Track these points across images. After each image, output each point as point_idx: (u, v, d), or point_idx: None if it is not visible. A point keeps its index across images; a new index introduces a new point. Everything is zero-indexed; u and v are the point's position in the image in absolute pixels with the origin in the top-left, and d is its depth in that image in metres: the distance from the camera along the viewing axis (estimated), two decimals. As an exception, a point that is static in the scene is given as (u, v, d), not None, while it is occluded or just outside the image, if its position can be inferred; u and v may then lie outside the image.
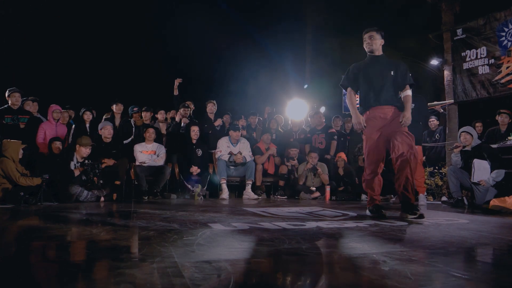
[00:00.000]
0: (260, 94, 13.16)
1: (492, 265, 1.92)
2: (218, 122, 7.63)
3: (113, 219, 3.59)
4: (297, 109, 10.58)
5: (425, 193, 6.07)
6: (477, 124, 7.50)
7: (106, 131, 6.32)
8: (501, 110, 7.17)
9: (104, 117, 7.52)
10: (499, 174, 5.28)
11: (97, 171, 5.55)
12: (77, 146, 5.68)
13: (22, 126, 6.16)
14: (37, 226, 3.11)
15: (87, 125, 6.94)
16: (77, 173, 5.50)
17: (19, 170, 5.22)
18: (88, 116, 7.05)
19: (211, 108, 7.63)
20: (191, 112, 7.78)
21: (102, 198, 5.53)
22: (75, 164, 5.59)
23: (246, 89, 13.88)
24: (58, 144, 5.77)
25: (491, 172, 5.33)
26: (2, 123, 6.06)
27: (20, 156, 5.33)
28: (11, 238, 2.61)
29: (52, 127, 6.42)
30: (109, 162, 6.08)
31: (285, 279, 1.53)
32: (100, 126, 6.50)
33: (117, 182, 6.00)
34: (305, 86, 14.05)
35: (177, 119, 7.43)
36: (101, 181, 5.56)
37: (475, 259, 2.04)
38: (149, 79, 14.50)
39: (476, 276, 1.56)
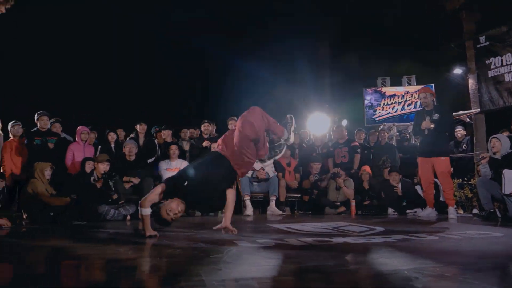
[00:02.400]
0: (280, 109, 13.20)
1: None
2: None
3: (139, 238, 3.63)
4: (319, 123, 10.53)
5: (455, 206, 5.88)
6: (504, 133, 7.25)
7: (128, 148, 6.44)
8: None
9: (129, 137, 7.66)
10: (533, 184, 5.07)
11: (113, 180, 5.71)
12: (95, 164, 5.83)
13: (50, 146, 6.34)
14: (65, 245, 3.17)
15: (112, 145, 7.09)
16: (99, 185, 5.64)
17: (49, 190, 5.36)
18: (112, 137, 7.20)
19: (233, 124, 7.67)
20: (214, 130, 7.83)
21: (129, 217, 5.60)
22: (94, 179, 5.72)
23: (267, 104, 13.94)
24: (91, 163, 5.89)
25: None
26: (32, 144, 6.26)
27: (48, 177, 5.47)
28: (41, 257, 2.67)
29: (80, 148, 6.58)
30: (134, 180, 6.18)
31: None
32: (124, 144, 6.65)
33: (143, 201, 6.09)
34: (327, 106, 14.00)
35: (204, 134, 7.50)
36: (113, 190, 5.69)
37: (511, 275, 1.96)
38: (171, 99, 14.78)
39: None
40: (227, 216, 3.43)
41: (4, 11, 3.24)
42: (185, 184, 3.10)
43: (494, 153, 5.45)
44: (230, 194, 3.41)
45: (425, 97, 5.89)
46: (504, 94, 8.39)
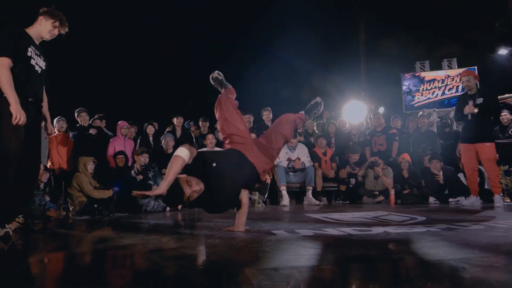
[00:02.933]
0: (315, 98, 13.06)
1: None
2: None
3: (179, 228, 3.72)
4: (355, 111, 10.33)
5: (501, 194, 5.62)
6: None
7: (166, 142, 6.64)
8: None
9: (166, 130, 7.84)
10: None
11: (152, 171, 5.88)
12: (135, 157, 6.07)
13: (93, 133, 6.60)
14: (109, 236, 3.30)
15: (151, 138, 7.28)
16: (139, 178, 5.83)
17: (92, 183, 5.59)
18: (150, 130, 7.40)
19: (268, 115, 7.67)
20: (252, 121, 7.86)
21: (168, 208, 5.75)
22: (135, 172, 5.92)
23: (301, 95, 13.82)
24: (121, 157, 6.10)
25: None
26: (77, 138, 6.54)
27: (91, 171, 5.70)
28: (87, 247, 2.79)
29: (121, 142, 6.81)
30: None
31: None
32: (161, 138, 6.84)
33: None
34: (363, 93, 13.70)
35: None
36: (151, 182, 5.88)
37: None
38: (204, 91, 14.95)
39: None
40: (241, 221, 3.02)
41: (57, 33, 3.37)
42: (214, 165, 2.65)
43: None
44: (244, 196, 3.03)
45: (468, 80, 5.62)
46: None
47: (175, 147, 6.73)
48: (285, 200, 6.41)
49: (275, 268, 1.71)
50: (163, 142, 6.72)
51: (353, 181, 6.75)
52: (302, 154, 6.79)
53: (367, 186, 6.59)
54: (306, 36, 14.01)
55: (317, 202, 6.50)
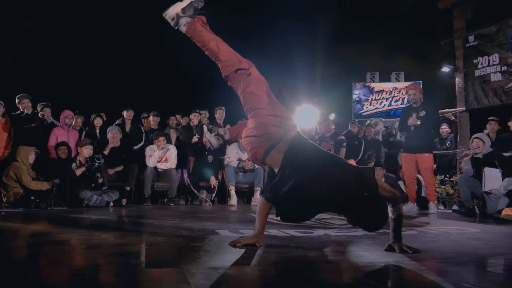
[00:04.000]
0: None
1: (504, 276, 1.88)
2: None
3: (121, 225, 3.61)
4: (307, 115, 10.55)
5: (436, 202, 5.99)
6: (491, 122, 7.26)
7: (112, 134, 6.38)
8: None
9: (115, 123, 7.57)
10: (510, 182, 5.19)
11: (97, 164, 5.63)
12: (78, 148, 5.80)
13: (32, 127, 6.21)
14: (46, 230, 3.13)
15: (97, 130, 7.00)
16: (79, 172, 5.57)
17: (31, 174, 5.28)
18: (98, 122, 7.11)
19: (221, 114, 7.65)
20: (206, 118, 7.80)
21: (111, 203, 5.56)
22: (76, 165, 5.66)
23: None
24: (63, 148, 5.81)
25: (502, 180, 5.24)
26: (18, 127, 6.13)
27: (31, 161, 5.40)
28: (22, 242, 2.64)
29: (64, 132, 6.48)
30: (118, 168, 6.19)
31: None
32: (108, 130, 6.56)
33: (127, 187, 6.06)
34: (316, 99, 14.02)
35: (193, 123, 7.47)
36: (98, 175, 5.61)
37: (487, 269, 2.00)
38: (160, 85, 14.63)
39: (488, 287, 1.53)
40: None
41: None
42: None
43: (476, 153, 5.56)
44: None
45: (414, 94, 5.94)
46: (489, 94, 8.51)
47: (122, 141, 6.53)
48: (233, 200, 6.42)
49: (214, 267, 1.71)
50: (109, 134, 6.47)
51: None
52: (253, 155, 6.84)
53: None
54: (264, 38, 14.15)
55: (265, 203, 6.57)
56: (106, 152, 6.21)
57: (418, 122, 5.75)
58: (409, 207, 5.86)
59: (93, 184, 5.60)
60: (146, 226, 3.23)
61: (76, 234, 2.76)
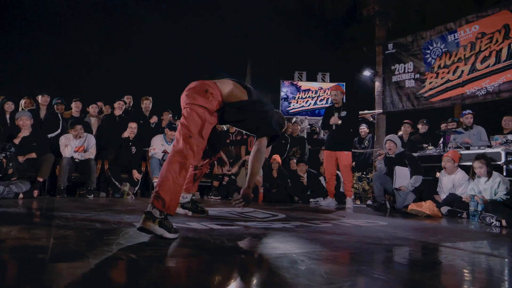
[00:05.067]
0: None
1: (403, 264, 2.05)
2: (154, 119, 7.43)
3: (29, 218, 3.35)
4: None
5: (352, 197, 6.38)
6: (405, 125, 7.87)
7: (21, 122, 5.83)
8: (424, 120, 7.77)
9: (27, 108, 6.98)
10: (417, 180, 5.69)
11: (7, 153, 5.15)
12: None
13: None
14: None
15: (7, 116, 6.42)
16: None
17: None
18: (9, 106, 6.54)
19: (147, 104, 7.42)
20: (131, 106, 7.51)
21: (21, 195, 5.13)
22: None
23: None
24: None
25: (410, 178, 5.73)
26: None
27: None
28: None
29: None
30: (30, 155, 5.70)
31: (201, 279, 1.52)
32: (16, 116, 5.99)
33: (40, 178, 5.61)
34: None
35: (116, 113, 7.14)
36: (10, 164, 5.16)
37: (389, 258, 2.18)
38: (81, 71, 13.78)
39: (389, 275, 1.66)
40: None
41: None
42: None
43: (389, 153, 6.02)
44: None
45: (335, 95, 6.25)
46: (403, 99, 9.25)
47: (35, 128, 6.03)
48: (157, 193, 6.27)
49: (124, 259, 1.66)
50: (18, 121, 5.91)
51: (226, 178, 6.94)
52: (178, 147, 6.73)
53: (239, 183, 6.84)
54: (196, 30, 13.96)
55: (190, 196, 6.50)
56: (16, 141, 5.68)
57: (339, 122, 6.07)
58: (328, 202, 6.18)
59: (0, 175, 5.12)
60: (57, 219, 3.03)
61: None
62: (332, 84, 10.64)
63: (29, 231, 2.41)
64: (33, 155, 5.74)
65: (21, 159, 5.65)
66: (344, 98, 6.46)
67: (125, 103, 7.40)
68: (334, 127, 6.16)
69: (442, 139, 6.82)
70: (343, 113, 6.13)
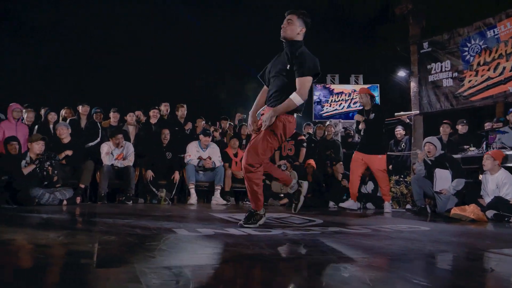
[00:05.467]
0: (232, 99, 13.18)
1: (448, 271, 1.97)
2: (188, 126, 7.55)
3: (73, 224, 3.47)
4: (268, 115, 10.62)
5: (391, 201, 6.20)
6: (443, 126, 7.57)
7: (58, 131, 6.07)
8: (464, 120, 7.46)
9: (69, 118, 7.26)
10: (459, 183, 5.46)
11: (53, 161, 5.37)
12: (29, 144, 5.50)
13: None
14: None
15: (51, 126, 6.71)
16: (27, 170, 5.27)
17: (-24, 171, 4.97)
18: (52, 117, 6.83)
19: (182, 112, 7.55)
20: (168, 113, 7.66)
21: (65, 202, 5.33)
22: (26, 162, 5.38)
23: (218, 95, 13.90)
24: (14, 144, 5.50)
25: (452, 181, 5.52)
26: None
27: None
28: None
29: (12, 126, 6.14)
30: (68, 152, 5.92)
31: (245, 285, 1.51)
32: (55, 127, 6.25)
33: (81, 185, 5.82)
34: None
35: (152, 121, 7.33)
36: (56, 172, 5.38)
37: (432, 265, 2.10)
38: (117, 81, 14.22)
39: (433, 282, 1.60)
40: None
41: None
42: None
43: (428, 156, 5.81)
44: None
45: (360, 98, 6.08)
46: (441, 99, 8.94)
47: (74, 137, 6.25)
48: (193, 198, 6.35)
49: (168, 266, 1.68)
50: (57, 130, 6.12)
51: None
52: (213, 153, 6.78)
53: (273, 189, 6.82)
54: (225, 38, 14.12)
55: (225, 202, 6.54)
56: (61, 157, 5.89)
57: (362, 127, 5.97)
58: (349, 204, 6.03)
59: (46, 182, 5.35)
60: (100, 225, 3.12)
61: (22, 233, 2.62)
62: (366, 86, 10.46)
63: (74, 237, 2.50)
64: (68, 152, 5.95)
65: (61, 156, 5.86)
66: (376, 99, 6.31)
67: (160, 111, 7.56)
68: (362, 131, 6.04)
69: (484, 139, 6.52)
70: (372, 115, 5.96)
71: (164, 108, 7.65)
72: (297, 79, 3.13)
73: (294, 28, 3.30)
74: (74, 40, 13.82)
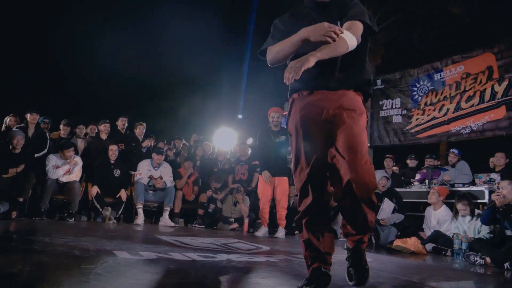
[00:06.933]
0: (190, 119, 13.07)
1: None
2: (147, 143, 7.38)
3: (5, 241, 3.24)
4: (226, 138, 10.63)
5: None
6: (386, 159, 7.82)
7: (16, 140, 5.72)
8: (412, 155, 7.83)
9: (15, 126, 6.87)
10: (398, 217, 5.78)
11: None
12: None
13: None
14: None
15: (-6, 133, 6.33)
16: None
17: None
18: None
19: (141, 129, 7.38)
20: (125, 128, 7.43)
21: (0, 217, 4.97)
22: None
23: (178, 111, 13.76)
24: None
25: (392, 213, 5.78)
26: None
27: None
28: None
29: None
30: (18, 169, 5.60)
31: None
32: (11, 134, 5.88)
33: (20, 199, 5.46)
34: (240, 116, 14.17)
35: (102, 136, 7.08)
36: None
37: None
38: (69, 90, 13.71)
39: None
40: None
41: None
42: None
43: (379, 190, 6.06)
44: None
45: (278, 117, 6.05)
46: (390, 134, 9.39)
47: (24, 147, 5.92)
48: (140, 218, 6.13)
49: (101, 293, 1.60)
50: (13, 140, 5.75)
51: (212, 206, 6.85)
52: (165, 173, 6.64)
53: (224, 213, 6.75)
54: (192, 53, 14.10)
55: (173, 224, 6.38)
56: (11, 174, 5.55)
57: None
58: (263, 232, 5.85)
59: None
60: (35, 244, 2.93)
61: None
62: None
63: (3, 256, 2.33)
64: (21, 167, 5.62)
65: (8, 174, 5.52)
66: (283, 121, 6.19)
67: (109, 125, 7.29)
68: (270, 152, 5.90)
69: (422, 175, 6.88)
70: (282, 138, 5.89)
71: (121, 122, 7.42)
72: None
73: None
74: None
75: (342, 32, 1.89)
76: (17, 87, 12.57)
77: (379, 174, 6.21)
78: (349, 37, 1.93)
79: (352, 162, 1.95)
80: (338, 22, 2.08)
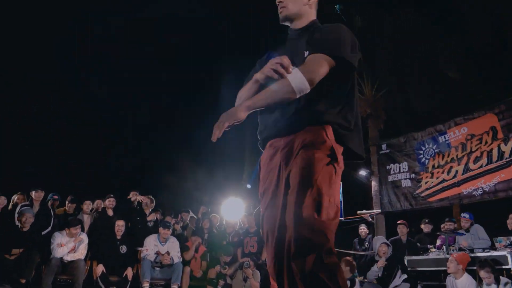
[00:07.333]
0: (196, 192, 12.98)
1: None
2: (152, 217, 7.25)
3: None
4: (234, 208, 10.49)
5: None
6: (399, 226, 7.60)
7: (25, 218, 5.68)
8: (426, 219, 7.56)
9: (21, 204, 6.85)
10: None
11: None
12: None
13: None
14: None
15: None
16: None
17: None
18: (2, 201, 6.43)
19: (148, 203, 7.30)
20: (136, 202, 7.36)
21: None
22: None
23: (183, 185, 13.72)
24: None
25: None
26: None
27: None
28: None
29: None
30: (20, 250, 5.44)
31: None
32: (19, 211, 5.85)
33: (22, 280, 5.26)
34: (248, 186, 14.04)
35: (109, 212, 7.01)
36: None
37: None
38: (74, 166, 13.84)
39: None
40: None
41: None
42: None
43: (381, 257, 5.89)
44: None
45: None
46: (401, 198, 9.23)
47: (31, 225, 5.85)
48: (146, 298, 5.84)
49: None
50: (22, 218, 5.72)
51: (222, 283, 6.55)
52: (172, 248, 6.42)
53: (234, 288, 6.44)
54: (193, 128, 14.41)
55: (181, 302, 6.06)
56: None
57: None
58: None
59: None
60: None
61: None
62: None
63: None
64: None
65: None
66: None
67: (114, 199, 7.23)
68: None
69: (442, 241, 6.59)
70: None
71: (133, 197, 7.37)
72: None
73: None
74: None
75: (288, 70, 1.56)
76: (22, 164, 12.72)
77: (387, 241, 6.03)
78: (296, 79, 1.56)
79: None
80: (306, 53, 1.74)
